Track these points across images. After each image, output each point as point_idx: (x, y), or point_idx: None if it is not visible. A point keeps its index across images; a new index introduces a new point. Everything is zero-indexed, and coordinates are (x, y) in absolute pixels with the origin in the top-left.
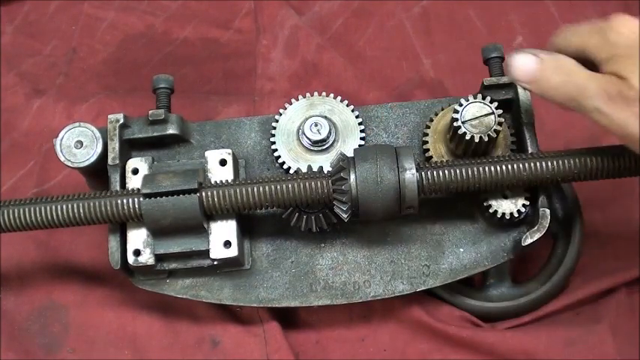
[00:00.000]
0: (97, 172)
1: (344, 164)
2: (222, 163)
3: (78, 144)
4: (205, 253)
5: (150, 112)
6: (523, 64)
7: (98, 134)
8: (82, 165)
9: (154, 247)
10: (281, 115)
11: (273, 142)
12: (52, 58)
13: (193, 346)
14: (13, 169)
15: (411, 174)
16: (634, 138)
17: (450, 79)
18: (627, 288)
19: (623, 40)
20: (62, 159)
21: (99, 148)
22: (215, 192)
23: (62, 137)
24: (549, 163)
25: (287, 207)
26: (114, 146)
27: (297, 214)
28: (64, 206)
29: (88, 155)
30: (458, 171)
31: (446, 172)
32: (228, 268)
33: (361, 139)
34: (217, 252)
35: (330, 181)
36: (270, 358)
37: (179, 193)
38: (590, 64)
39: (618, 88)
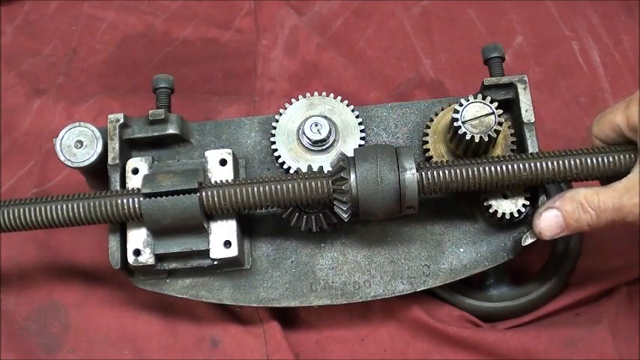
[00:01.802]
0: (97, 172)
1: (344, 164)
2: (222, 163)
3: (78, 144)
4: (205, 253)
5: (150, 111)
6: (549, 226)
7: (98, 134)
8: (82, 165)
9: (154, 247)
10: (281, 115)
11: (273, 142)
12: (52, 58)
13: (193, 346)
14: (13, 169)
15: (411, 174)
16: None
17: (450, 79)
18: (627, 288)
19: None
20: (62, 159)
21: (99, 148)
22: (215, 192)
23: (62, 137)
24: (549, 163)
25: (287, 207)
26: (114, 146)
27: (297, 214)
28: (64, 206)
29: (88, 155)
30: (458, 171)
31: (446, 172)
32: (228, 268)
33: (361, 139)
34: (217, 252)
35: (330, 181)
36: (270, 358)
37: (179, 193)
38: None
39: None
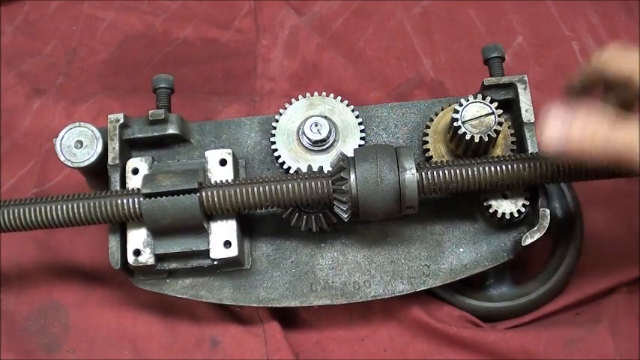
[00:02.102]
0: (97, 172)
1: (344, 164)
2: (222, 163)
3: (78, 144)
4: (205, 253)
5: (150, 112)
6: (556, 131)
7: (98, 134)
8: (82, 165)
9: (154, 247)
10: (281, 115)
11: (273, 142)
12: (52, 58)
13: (193, 346)
14: (13, 169)
15: (411, 174)
16: None
17: (450, 79)
18: (627, 288)
19: None
20: (62, 159)
21: (99, 148)
22: (215, 192)
23: (62, 137)
24: (549, 163)
25: (287, 207)
26: (114, 146)
27: (297, 214)
28: (64, 206)
29: (88, 155)
30: (458, 171)
31: (446, 172)
32: (228, 268)
33: (361, 139)
34: (217, 252)
35: (330, 181)
36: (270, 358)
37: (179, 193)
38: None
39: None
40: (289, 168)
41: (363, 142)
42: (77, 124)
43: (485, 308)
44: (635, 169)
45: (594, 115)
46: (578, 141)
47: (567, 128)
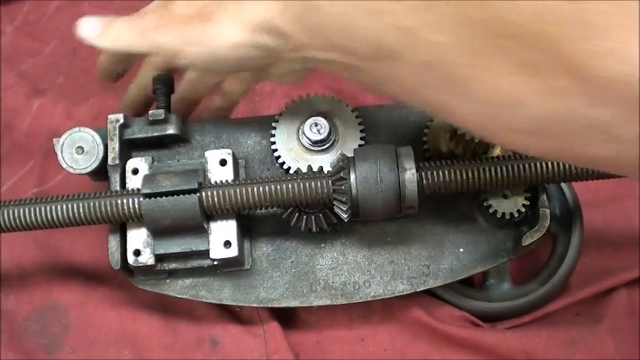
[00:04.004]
0: (100, 173)
1: (344, 164)
2: (222, 163)
3: (79, 149)
4: (205, 253)
5: (150, 112)
6: (89, 23)
7: (99, 139)
8: (84, 171)
9: (154, 247)
10: (281, 115)
11: (273, 142)
12: (52, 58)
13: (193, 346)
14: (13, 169)
15: (411, 174)
16: (189, 41)
17: None
18: (627, 288)
19: None
20: (64, 166)
21: (100, 154)
22: (215, 192)
23: (63, 143)
24: (549, 163)
25: (287, 207)
26: (114, 146)
27: (297, 214)
28: (64, 206)
29: (89, 161)
30: (458, 171)
31: (446, 172)
32: (228, 268)
33: (361, 139)
34: (217, 252)
35: (330, 181)
36: (270, 358)
37: (179, 193)
38: None
39: (169, 14)
40: (289, 168)
41: (363, 142)
42: (77, 129)
43: (485, 308)
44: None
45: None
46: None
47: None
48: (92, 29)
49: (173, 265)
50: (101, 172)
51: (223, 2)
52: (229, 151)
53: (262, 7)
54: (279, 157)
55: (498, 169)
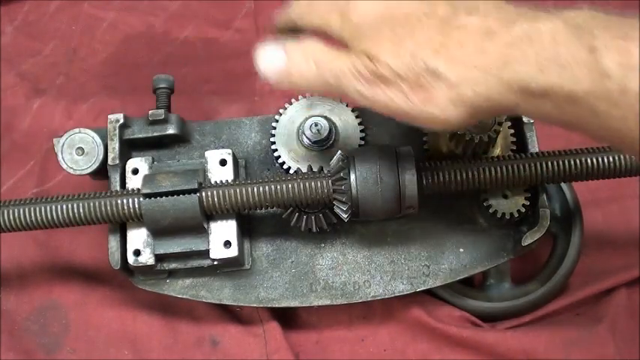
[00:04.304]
0: (100, 172)
1: (344, 164)
2: (222, 163)
3: (79, 151)
4: (205, 253)
5: (150, 112)
6: (270, 61)
7: (99, 140)
8: (85, 172)
9: (154, 247)
10: (281, 115)
11: (273, 142)
12: (52, 58)
13: (193, 346)
14: (13, 169)
15: (411, 174)
16: (399, 112)
17: None
18: (627, 288)
19: (366, 21)
20: (65, 167)
21: (101, 154)
22: (215, 192)
23: (63, 144)
24: (549, 163)
25: (287, 207)
26: (114, 146)
27: (297, 214)
28: (64, 206)
29: (90, 162)
30: (458, 171)
31: (446, 172)
32: (228, 268)
33: (361, 139)
34: (217, 252)
35: (330, 181)
36: (270, 358)
37: (179, 193)
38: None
39: (371, 68)
40: (289, 168)
41: (362, 142)
42: (77, 130)
43: (486, 308)
44: (355, 99)
45: (306, 42)
46: (293, 68)
47: (281, 57)
48: (274, 67)
49: (173, 265)
50: (101, 172)
51: (436, 75)
52: (229, 151)
53: (481, 82)
54: (279, 157)
55: (498, 169)
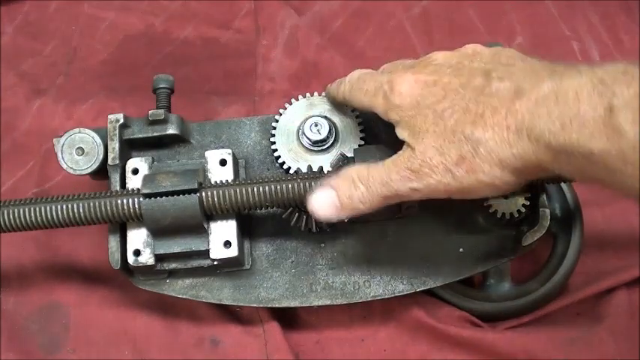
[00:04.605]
0: (100, 172)
1: (344, 164)
2: (222, 163)
3: (79, 151)
4: (205, 253)
5: (150, 112)
6: (322, 206)
7: (99, 140)
8: (85, 172)
9: (154, 247)
10: (281, 115)
11: (273, 142)
12: (52, 58)
13: (193, 346)
14: (13, 169)
15: None
16: (450, 189)
17: None
18: (627, 288)
19: (406, 102)
20: (65, 167)
21: (101, 154)
22: (215, 192)
23: (63, 144)
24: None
25: (287, 207)
26: (114, 146)
27: (297, 214)
28: (64, 206)
29: (90, 162)
30: None
31: None
32: (228, 268)
33: (361, 139)
34: (217, 252)
35: None
36: (270, 358)
37: (179, 193)
38: None
39: (416, 166)
40: (289, 168)
41: (362, 142)
42: (77, 130)
43: (486, 308)
44: (411, 197)
45: (346, 171)
46: (346, 199)
47: (331, 195)
48: (329, 206)
49: (173, 265)
50: (101, 172)
51: (476, 144)
52: (229, 151)
53: (515, 143)
54: (279, 157)
55: None
